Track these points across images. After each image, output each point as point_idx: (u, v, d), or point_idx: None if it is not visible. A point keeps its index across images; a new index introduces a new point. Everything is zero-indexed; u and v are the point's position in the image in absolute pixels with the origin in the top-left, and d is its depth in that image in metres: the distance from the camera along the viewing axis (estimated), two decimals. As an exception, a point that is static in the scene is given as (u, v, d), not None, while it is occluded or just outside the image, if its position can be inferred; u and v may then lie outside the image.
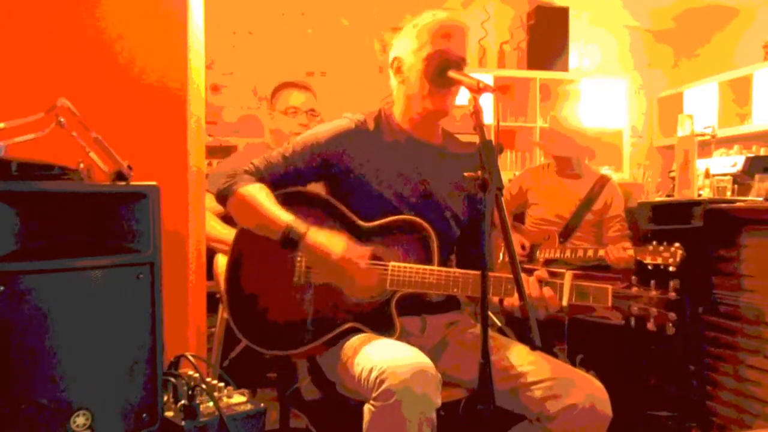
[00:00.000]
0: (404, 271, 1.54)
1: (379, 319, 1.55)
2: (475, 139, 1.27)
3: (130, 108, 1.64)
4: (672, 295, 1.42)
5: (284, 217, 1.54)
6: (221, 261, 2.26)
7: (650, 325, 1.42)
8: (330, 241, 1.51)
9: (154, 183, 1.19)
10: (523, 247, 2.99)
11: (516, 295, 1.43)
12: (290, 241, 1.52)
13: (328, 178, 1.70)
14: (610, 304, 1.45)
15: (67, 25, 1.62)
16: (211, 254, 2.17)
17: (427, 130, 1.71)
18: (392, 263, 1.55)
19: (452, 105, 1.63)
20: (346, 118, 1.70)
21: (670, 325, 1.41)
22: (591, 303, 1.46)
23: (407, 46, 1.65)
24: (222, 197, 1.66)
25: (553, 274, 1.48)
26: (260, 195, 1.60)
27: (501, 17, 5.32)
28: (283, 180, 1.67)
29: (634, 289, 1.46)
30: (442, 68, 1.52)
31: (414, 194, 1.65)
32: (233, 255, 1.68)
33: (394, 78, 1.71)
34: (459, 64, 1.57)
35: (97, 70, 1.63)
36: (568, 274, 1.47)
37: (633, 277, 1.49)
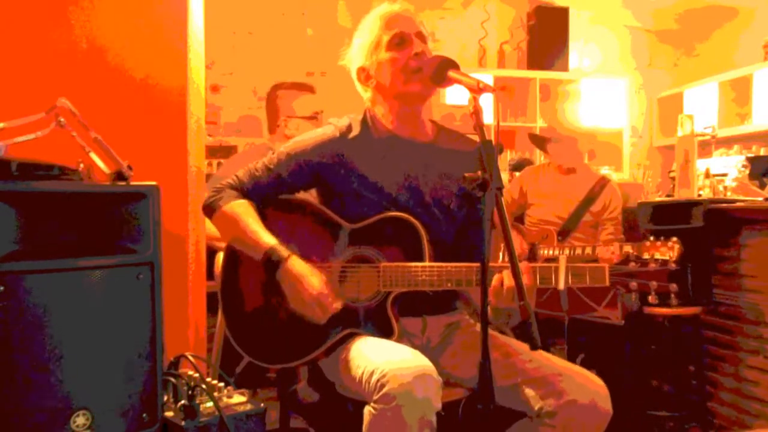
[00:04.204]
0: (395, 270, 1.53)
1: (376, 322, 1.54)
2: (472, 134, 1.26)
3: (130, 108, 1.64)
4: (672, 265, 1.37)
5: (267, 239, 1.54)
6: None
7: (652, 299, 1.38)
8: (310, 274, 1.51)
9: (154, 183, 1.19)
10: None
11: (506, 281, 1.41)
12: (272, 263, 1.52)
13: (316, 187, 1.70)
14: (607, 282, 1.41)
15: (66, 26, 1.62)
16: (212, 253, 2.16)
17: (413, 126, 1.68)
18: (383, 264, 1.54)
19: (432, 90, 1.62)
20: (330, 125, 1.69)
21: (673, 296, 1.36)
22: (588, 283, 1.42)
23: (365, 48, 1.65)
24: (207, 211, 1.67)
25: (548, 260, 1.46)
26: (243, 213, 1.60)
27: (501, 17, 5.32)
28: (268, 191, 1.66)
29: (632, 265, 1.41)
30: (441, 68, 1.52)
31: (404, 195, 1.64)
32: (225, 269, 1.67)
33: (365, 89, 1.70)
34: (422, 37, 1.61)
35: (97, 70, 1.63)
36: (563, 257, 1.45)
37: (631, 252, 1.44)
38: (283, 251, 1.52)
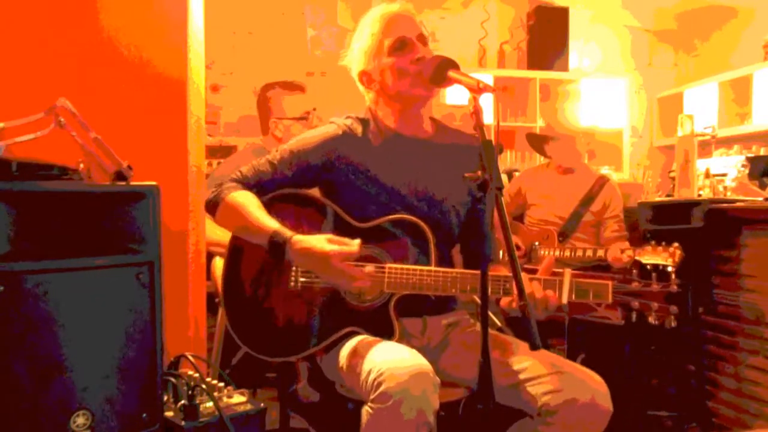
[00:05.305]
0: (401, 272, 1.53)
1: (378, 322, 1.54)
2: (472, 134, 1.27)
3: (130, 108, 1.64)
4: (673, 288, 1.40)
5: (270, 223, 1.54)
6: (219, 264, 2.26)
7: (651, 319, 1.41)
8: (316, 240, 1.50)
9: (154, 183, 1.19)
10: (517, 248, 2.99)
11: (514, 294, 1.43)
12: (276, 246, 1.51)
13: (319, 184, 1.71)
14: (610, 299, 1.44)
15: (66, 26, 1.62)
16: (209, 257, 2.16)
17: (415, 125, 1.70)
18: (389, 265, 1.54)
19: (434, 92, 1.63)
20: (333, 124, 1.70)
21: (672, 318, 1.39)
22: (591, 300, 1.44)
23: (366, 52, 1.65)
24: (210, 206, 1.67)
25: (552, 273, 1.47)
26: (247, 202, 1.60)
27: (501, 17, 5.32)
28: (272, 187, 1.66)
29: (635, 284, 1.44)
30: (441, 69, 1.52)
31: (408, 192, 1.65)
32: (228, 262, 1.67)
33: (368, 91, 1.71)
34: (423, 39, 1.62)
35: (97, 70, 1.63)
36: (567, 272, 1.46)
37: (634, 271, 1.47)
38: (287, 232, 1.52)
